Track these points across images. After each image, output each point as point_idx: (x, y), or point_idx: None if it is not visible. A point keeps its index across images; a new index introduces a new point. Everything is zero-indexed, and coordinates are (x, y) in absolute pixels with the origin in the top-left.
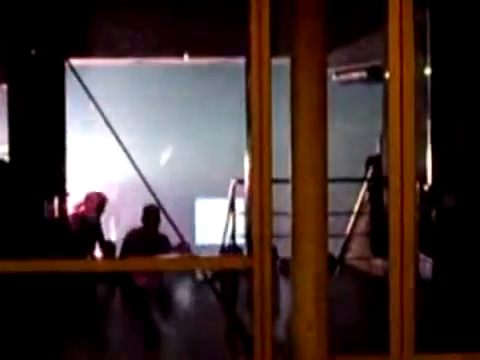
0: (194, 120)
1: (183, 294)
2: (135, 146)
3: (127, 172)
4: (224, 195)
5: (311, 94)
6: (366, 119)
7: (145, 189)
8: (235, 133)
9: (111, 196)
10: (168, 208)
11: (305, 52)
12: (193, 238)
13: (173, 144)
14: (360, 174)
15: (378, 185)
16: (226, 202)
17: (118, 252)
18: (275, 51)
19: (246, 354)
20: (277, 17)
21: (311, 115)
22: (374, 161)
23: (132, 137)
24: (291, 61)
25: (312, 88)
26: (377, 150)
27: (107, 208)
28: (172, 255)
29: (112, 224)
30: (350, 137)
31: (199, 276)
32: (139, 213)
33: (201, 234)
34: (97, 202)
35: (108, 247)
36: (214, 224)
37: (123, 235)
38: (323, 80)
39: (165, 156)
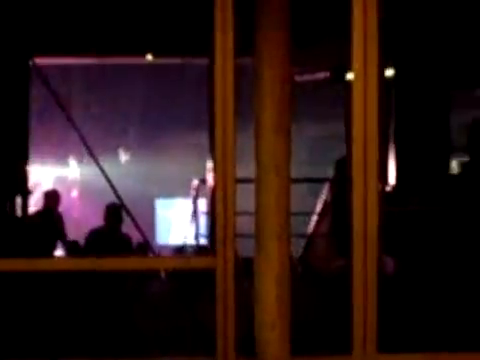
0: (155, 120)
1: (144, 292)
2: (97, 146)
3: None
4: (185, 195)
5: (274, 94)
6: (330, 120)
7: (105, 189)
8: (197, 132)
9: (72, 195)
10: (129, 207)
11: (269, 51)
12: (154, 238)
13: (133, 144)
14: (323, 175)
15: (341, 185)
16: (187, 202)
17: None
18: (239, 51)
19: (209, 353)
20: (241, 16)
21: (274, 116)
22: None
23: (93, 136)
24: (255, 60)
25: (275, 89)
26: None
27: (69, 206)
28: (135, 254)
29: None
30: (314, 138)
31: (163, 275)
32: (100, 212)
33: (162, 234)
34: (55, 199)
35: (72, 246)
36: (175, 224)
37: (84, 234)
38: (287, 80)
39: (125, 156)
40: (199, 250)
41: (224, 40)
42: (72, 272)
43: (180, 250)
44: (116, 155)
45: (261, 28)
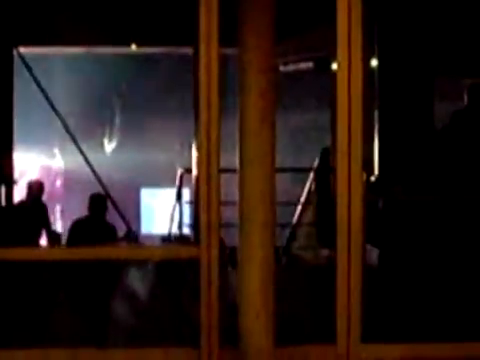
0: (141, 109)
1: (129, 282)
2: (81, 135)
3: (72, 161)
4: (170, 184)
5: (259, 84)
6: (314, 110)
7: (90, 179)
8: (182, 122)
9: (56, 185)
10: (113, 197)
11: (253, 41)
12: (139, 227)
13: (119, 133)
14: (307, 164)
15: (325, 175)
16: (172, 191)
17: (64, 241)
18: (224, 40)
19: (193, 343)
20: (226, 6)
21: (259, 104)
22: (326, 152)
23: (78, 126)
24: (239, 50)
25: (260, 78)
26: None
27: (53, 196)
28: (119, 244)
29: (58, 213)
30: (300, 128)
31: (150, 266)
32: (85, 202)
33: (146, 223)
34: (39, 188)
35: (54, 237)
36: (160, 213)
37: (69, 224)
38: (271, 70)
39: (111, 145)
40: (182, 239)
41: (208, 30)
42: (56, 262)
43: (164, 239)
44: (101, 145)
45: (245, 17)
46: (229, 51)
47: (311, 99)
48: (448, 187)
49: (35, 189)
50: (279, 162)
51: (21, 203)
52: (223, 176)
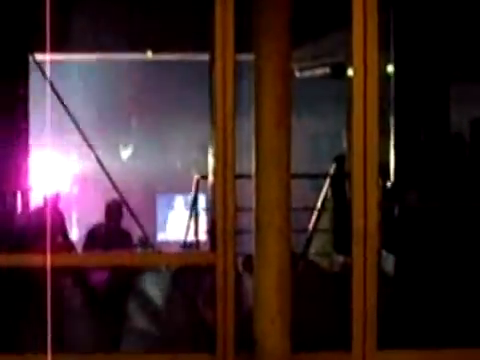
0: (157, 116)
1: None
2: (97, 142)
3: (88, 168)
4: (186, 191)
5: (275, 89)
6: (330, 116)
7: (106, 185)
8: (198, 128)
9: (72, 192)
10: (129, 204)
11: (269, 47)
12: (154, 234)
13: (135, 140)
14: (323, 170)
15: (341, 181)
16: (188, 198)
17: (81, 247)
18: (239, 47)
19: (208, 349)
20: (241, 12)
21: (275, 110)
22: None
23: (93, 132)
24: (255, 56)
25: (276, 83)
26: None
27: (69, 203)
28: (135, 251)
29: (74, 220)
30: (314, 133)
31: (164, 271)
32: (100, 209)
33: (162, 230)
34: (56, 195)
35: (68, 246)
36: (176, 220)
37: (85, 231)
38: (287, 75)
39: (127, 152)
40: (198, 246)
41: (224, 36)
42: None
43: (183, 246)
44: (118, 151)
45: (261, 23)
46: (245, 57)
47: (327, 105)
48: (463, 193)
49: (52, 196)
50: (295, 168)
51: (38, 210)
52: (239, 182)
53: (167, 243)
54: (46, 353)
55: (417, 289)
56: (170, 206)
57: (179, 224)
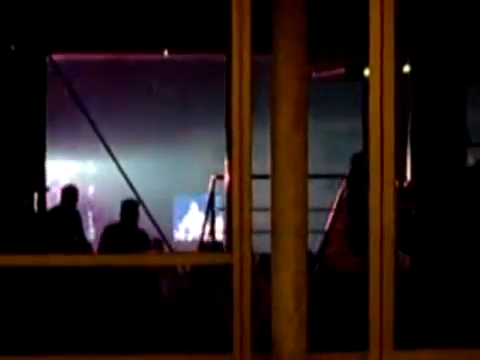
0: (174, 116)
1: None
2: (114, 141)
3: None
4: (203, 191)
5: (292, 90)
6: (347, 116)
7: (123, 186)
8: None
9: (88, 192)
10: (146, 204)
11: (286, 48)
12: (171, 234)
13: (152, 140)
14: (340, 171)
15: (358, 182)
16: (205, 198)
17: (96, 247)
18: (257, 47)
19: (225, 348)
20: (259, 12)
21: (291, 110)
22: (357, 158)
23: (111, 133)
24: (272, 57)
25: (293, 84)
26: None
27: (85, 203)
28: (151, 251)
29: (90, 220)
30: (331, 134)
31: (180, 271)
32: (117, 208)
33: (179, 230)
34: (73, 195)
35: (85, 246)
36: (193, 220)
37: (101, 231)
38: (304, 76)
39: (144, 151)
40: (215, 246)
41: (241, 38)
42: (84, 268)
43: (201, 246)
44: (134, 151)
45: (278, 25)
46: (262, 58)
47: (344, 105)
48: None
49: (70, 195)
50: (313, 168)
51: (54, 210)
52: (255, 182)
53: (183, 243)
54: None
55: (434, 289)
56: (187, 206)
57: (196, 224)
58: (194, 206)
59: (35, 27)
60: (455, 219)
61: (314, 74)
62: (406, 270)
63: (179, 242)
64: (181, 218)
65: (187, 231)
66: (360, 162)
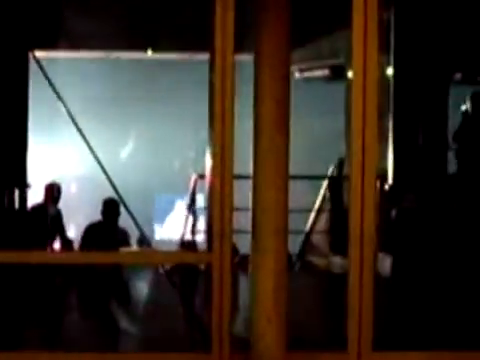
0: (154, 115)
1: (143, 287)
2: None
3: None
4: (184, 190)
5: (274, 90)
6: (329, 117)
7: (103, 184)
8: (197, 128)
9: (70, 190)
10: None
11: (269, 48)
12: (152, 232)
13: (133, 139)
14: (322, 172)
15: (339, 183)
16: (186, 197)
17: (78, 245)
18: (239, 47)
19: (204, 348)
20: (242, 12)
21: (274, 111)
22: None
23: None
24: (254, 57)
25: (275, 84)
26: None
27: (67, 202)
28: (132, 249)
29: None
30: (313, 135)
31: (161, 269)
32: (98, 207)
33: (160, 228)
34: (55, 192)
35: (66, 244)
36: (174, 219)
37: (82, 229)
38: (286, 76)
39: (125, 151)
40: (194, 245)
41: (224, 36)
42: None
43: (181, 245)
44: (116, 149)
45: (261, 24)
46: (245, 57)
47: (326, 106)
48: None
49: (53, 192)
50: (296, 169)
51: (35, 207)
52: (236, 182)
53: (165, 242)
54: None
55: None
56: (168, 205)
57: (177, 223)
58: (176, 205)
59: (18, 23)
60: (436, 221)
61: (297, 74)
62: (386, 271)
63: (161, 241)
64: (164, 217)
65: (170, 230)
66: (343, 165)
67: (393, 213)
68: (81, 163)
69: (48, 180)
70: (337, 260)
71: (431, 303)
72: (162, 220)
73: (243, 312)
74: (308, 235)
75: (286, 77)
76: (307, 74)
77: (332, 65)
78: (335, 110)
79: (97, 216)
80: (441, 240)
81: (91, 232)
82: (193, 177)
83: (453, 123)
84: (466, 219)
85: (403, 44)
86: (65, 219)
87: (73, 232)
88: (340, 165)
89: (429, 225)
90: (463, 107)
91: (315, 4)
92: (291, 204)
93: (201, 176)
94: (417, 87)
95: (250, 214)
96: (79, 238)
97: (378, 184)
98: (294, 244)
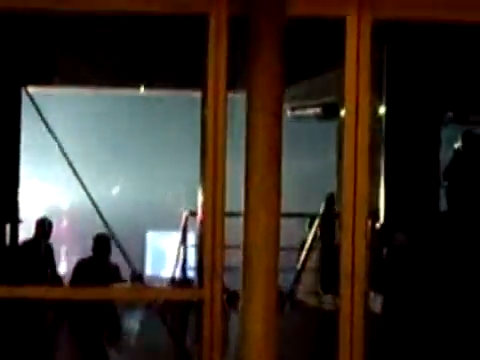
0: (145, 152)
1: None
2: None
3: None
4: (175, 228)
5: (266, 128)
6: (321, 155)
7: (94, 221)
8: (188, 165)
9: (61, 226)
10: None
11: (262, 86)
12: (143, 269)
13: (124, 176)
14: (313, 210)
15: (330, 221)
16: (177, 233)
17: (68, 280)
18: (231, 85)
19: None
20: (234, 51)
21: (265, 149)
22: (331, 198)
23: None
24: (247, 95)
25: (267, 122)
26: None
27: (58, 238)
28: (125, 284)
29: (62, 254)
30: (305, 173)
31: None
32: (90, 243)
33: (152, 265)
34: (46, 227)
35: (56, 280)
36: (165, 256)
37: (73, 264)
38: (278, 114)
39: (117, 186)
40: (185, 282)
41: (216, 73)
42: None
43: (172, 282)
44: (108, 185)
45: (255, 62)
46: (237, 95)
47: (318, 145)
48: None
49: (44, 228)
50: (288, 207)
51: (26, 242)
52: (228, 219)
53: (156, 279)
54: None
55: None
56: (160, 241)
57: (168, 260)
58: (167, 241)
59: (11, 59)
60: (427, 259)
61: (289, 112)
62: (378, 310)
63: (152, 277)
64: (155, 253)
65: (159, 267)
66: (333, 201)
67: (384, 251)
68: (72, 197)
69: (39, 215)
70: (328, 299)
71: (422, 341)
72: (153, 256)
73: (233, 350)
74: (299, 273)
75: (279, 114)
76: (299, 112)
77: (324, 103)
78: (327, 148)
79: (88, 251)
80: (432, 278)
81: (82, 268)
82: (184, 214)
83: (444, 161)
84: (457, 257)
85: (395, 83)
86: (56, 253)
87: (65, 266)
88: (330, 199)
89: (420, 263)
90: (456, 145)
91: (307, 42)
92: (284, 242)
93: (193, 213)
94: (409, 126)
95: (241, 252)
96: (70, 273)
97: (369, 222)
98: (285, 282)
